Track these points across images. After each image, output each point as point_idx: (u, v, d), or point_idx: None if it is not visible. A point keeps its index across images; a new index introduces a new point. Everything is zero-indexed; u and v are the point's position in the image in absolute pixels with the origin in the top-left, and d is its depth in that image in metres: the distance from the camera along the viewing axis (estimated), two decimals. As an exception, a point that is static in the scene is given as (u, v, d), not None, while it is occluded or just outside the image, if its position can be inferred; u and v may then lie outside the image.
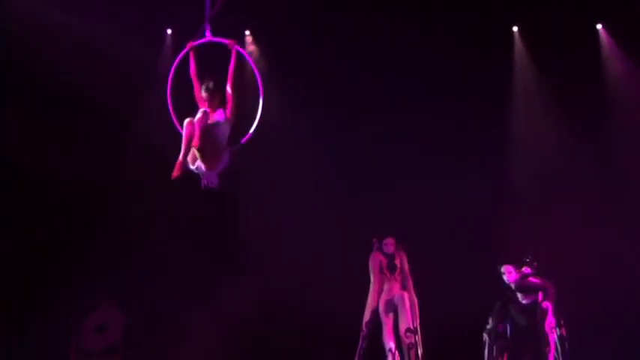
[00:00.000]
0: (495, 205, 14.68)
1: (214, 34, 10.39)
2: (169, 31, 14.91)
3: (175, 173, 9.66)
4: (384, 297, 12.92)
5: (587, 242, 14.16)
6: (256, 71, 10.41)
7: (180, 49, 10.28)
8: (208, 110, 9.88)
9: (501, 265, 12.16)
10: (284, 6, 14.43)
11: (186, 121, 9.69)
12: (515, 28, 15.43)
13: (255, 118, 10.15)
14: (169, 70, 10.38)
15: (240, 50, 10.15)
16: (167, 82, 10.40)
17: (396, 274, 12.99)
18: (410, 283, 12.98)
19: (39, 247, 14.26)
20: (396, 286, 12.93)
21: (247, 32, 15.29)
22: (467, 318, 12.73)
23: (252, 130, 10.07)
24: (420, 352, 12.67)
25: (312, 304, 14.16)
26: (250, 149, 13.66)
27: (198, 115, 9.67)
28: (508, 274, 12.07)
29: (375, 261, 13.07)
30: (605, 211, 14.46)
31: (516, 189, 15.03)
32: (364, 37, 14.72)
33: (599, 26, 15.14)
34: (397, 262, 13.07)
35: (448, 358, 13.07)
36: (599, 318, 13.54)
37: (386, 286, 12.99)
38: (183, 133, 9.68)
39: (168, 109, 10.14)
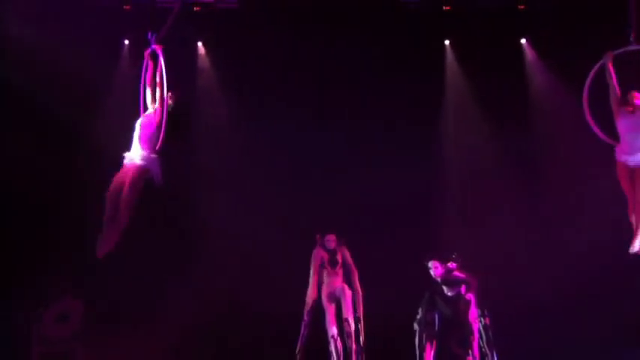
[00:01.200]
0: (425, 206, 15.12)
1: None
2: (126, 42, 14.89)
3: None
4: (325, 289, 13.14)
5: (509, 239, 14.73)
6: (165, 79, 10.35)
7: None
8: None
9: (429, 260, 12.46)
10: (234, 18, 14.71)
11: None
12: (447, 42, 15.56)
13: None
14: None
15: (160, 56, 10.25)
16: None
17: (337, 268, 13.17)
18: (355, 276, 13.18)
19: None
20: (338, 280, 13.13)
21: (200, 43, 15.38)
22: (402, 309, 12.94)
23: (161, 137, 10.22)
24: (361, 340, 12.91)
25: (257, 301, 14.46)
26: (201, 151, 14.05)
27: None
28: (435, 268, 12.37)
29: (316, 256, 13.26)
30: (526, 211, 14.99)
31: (445, 192, 15.47)
32: (307, 48, 14.91)
33: (523, 41, 15.37)
34: (338, 257, 13.20)
35: (387, 345, 13.50)
36: (520, 308, 13.99)
37: (327, 280, 13.18)
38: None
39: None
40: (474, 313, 12.17)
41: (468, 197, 15.44)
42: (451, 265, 12.29)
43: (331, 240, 13.32)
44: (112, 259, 14.10)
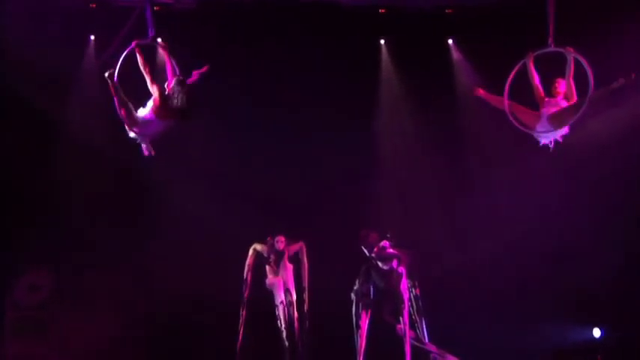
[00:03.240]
0: (364, 191, 15.30)
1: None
2: (92, 37, 14.68)
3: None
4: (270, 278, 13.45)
5: (436, 219, 15.06)
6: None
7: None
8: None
9: (365, 238, 12.72)
10: (192, 18, 14.60)
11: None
12: (382, 41, 15.72)
13: None
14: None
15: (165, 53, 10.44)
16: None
17: (281, 266, 13.39)
18: (303, 250, 13.44)
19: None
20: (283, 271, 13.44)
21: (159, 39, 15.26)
22: (341, 281, 13.15)
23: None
24: (305, 308, 13.24)
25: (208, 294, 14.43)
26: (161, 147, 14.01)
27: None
28: (370, 246, 12.65)
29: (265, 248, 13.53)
30: (451, 194, 15.21)
31: (380, 178, 15.59)
32: (257, 47, 14.94)
33: (450, 41, 15.55)
34: (285, 257, 13.41)
35: (328, 314, 13.52)
36: (445, 280, 14.33)
37: (271, 275, 13.45)
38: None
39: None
40: (404, 284, 12.40)
41: (400, 182, 15.54)
42: (385, 242, 12.49)
43: (280, 241, 13.46)
44: (80, 235, 14.33)
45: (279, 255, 13.43)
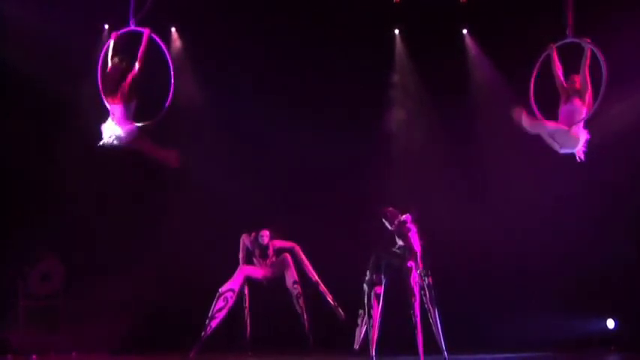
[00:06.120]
0: (376, 186, 14.96)
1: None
2: (106, 26, 14.48)
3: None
4: (261, 273, 13.47)
5: (448, 207, 14.64)
6: (169, 59, 10.67)
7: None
8: None
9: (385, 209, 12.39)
10: (207, 5, 14.52)
11: None
12: (396, 31, 15.66)
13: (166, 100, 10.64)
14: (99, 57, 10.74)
15: (155, 38, 10.48)
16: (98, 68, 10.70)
17: (268, 260, 13.46)
18: (298, 251, 13.46)
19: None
20: (269, 267, 13.49)
21: (173, 29, 15.21)
22: (353, 272, 12.70)
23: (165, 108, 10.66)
24: (330, 298, 13.34)
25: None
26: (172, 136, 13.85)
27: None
28: (390, 217, 12.29)
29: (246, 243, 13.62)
30: (463, 183, 14.96)
31: (395, 166, 15.32)
32: (274, 35, 14.89)
33: (464, 31, 15.39)
34: (270, 251, 13.48)
35: (341, 303, 13.44)
36: (459, 269, 14.20)
37: (263, 268, 13.50)
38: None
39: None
40: (414, 277, 12.08)
41: (412, 173, 15.17)
42: (407, 216, 12.17)
43: (265, 235, 13.54)
44: (89, 222, 14.19)
45: (264, 249, 13.49)
